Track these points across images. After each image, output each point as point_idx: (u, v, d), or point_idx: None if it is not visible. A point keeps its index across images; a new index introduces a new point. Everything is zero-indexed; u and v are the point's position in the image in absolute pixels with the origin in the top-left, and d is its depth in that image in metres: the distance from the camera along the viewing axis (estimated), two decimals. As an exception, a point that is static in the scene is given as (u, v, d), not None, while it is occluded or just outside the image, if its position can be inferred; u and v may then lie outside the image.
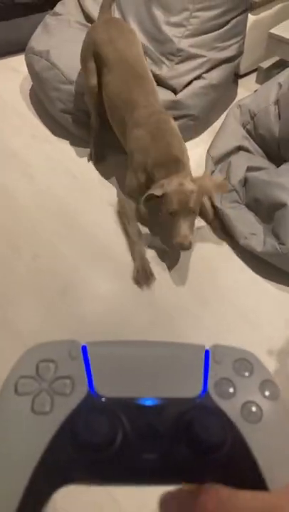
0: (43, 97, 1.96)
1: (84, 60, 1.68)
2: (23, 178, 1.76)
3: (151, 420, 0.22)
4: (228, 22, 1.89)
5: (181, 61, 1.91)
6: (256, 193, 1.51)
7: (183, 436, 0.22)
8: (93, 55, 1.62)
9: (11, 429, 0.22)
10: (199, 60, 1.89)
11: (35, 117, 2.03)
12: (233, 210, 1.54)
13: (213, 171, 1.64)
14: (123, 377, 0.23)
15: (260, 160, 1.65)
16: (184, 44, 1.89)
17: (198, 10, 1.87)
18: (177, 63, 1.91)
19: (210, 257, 1.54)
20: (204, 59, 1.89)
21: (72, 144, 1.92)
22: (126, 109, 1.49)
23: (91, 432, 0.22)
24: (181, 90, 1.86)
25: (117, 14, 2.00)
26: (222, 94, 1.99)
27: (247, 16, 1.93)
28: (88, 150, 1.85)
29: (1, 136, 1.93)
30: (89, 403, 0.22)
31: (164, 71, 1.89)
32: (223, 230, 1.57)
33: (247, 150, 1.67)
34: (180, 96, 1.86)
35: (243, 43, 1.98)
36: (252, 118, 1.70)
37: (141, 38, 1.91)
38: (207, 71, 1.90)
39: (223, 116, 2.00)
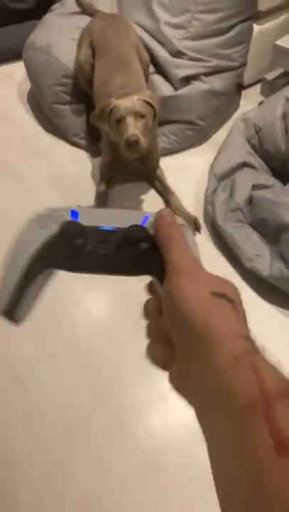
0: (42, 96, 1.87)
1: (79, 44, 1.78)
2: (16, 195, 1.67)
3: (106, 235, 0.37)
4: (231, 28, 1.82)
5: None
6: (262, 213, 1.43)
7: (126, 242, 0.37)
8: (89, 42, 1.73)
9: (25, 236, 0.38)
10: (200, 63, 1.82)
11: (32, 128, 1.95)
12: (238, 230, 1.46)
13: (215, 189, 1.56)
14: (94, 217, 0.38)
15: (265, 177, 1.57)
16: (184, 46, 1.81)
17: (201, 12, 1.80)
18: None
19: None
20: (205, 63, 1.82)
21: (72, 158, 1.83)
22: (105, 87, 1.56)
23: (72, 239, 0.37)
24: (178, 83, 1.80)
25: (116, 11, 1.93)
26: (223, 104, 1.92)
27: (252, 25, 1.86)
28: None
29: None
30: (72, 224, 0.37)
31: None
32: (224, 248, 1.49)
33: (252, 166, 1.59)
34: (179, 92, 1.79)
35: (247, 52, 1.91)
36: (257, 132, 1.63)
37: (143, 36, 1.83)
38: (208, 74, 1.83)
39: (224, 128, 1.94)
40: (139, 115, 1.36)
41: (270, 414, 0.24)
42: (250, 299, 1.38)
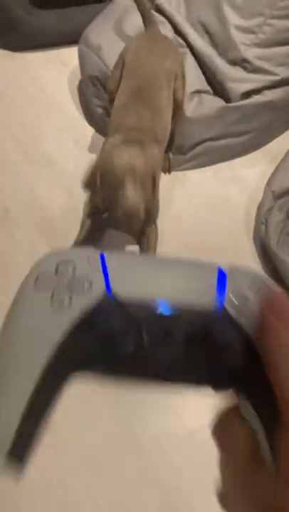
0: (88, 96, 1.79)
1: (114, 65, 1.50)
2: (58, 191, 1.60)
3: (167, 327, 0.22)
4: None
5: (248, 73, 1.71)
6: None
7: (198, 344, 0.22)
8: (121, 64, 1.44)
9: (29, 320, 0.23)
10: (263, 76, 1.67)
11: (80, 119, 1.86)
12: (292, 258, 1.34)
13: (271, 207, 1.44)
14: (140, 282, 0.24)
15: None
16: (251, 54, 1.67)
17: (275, 17, 1.65)
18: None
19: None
20: (269, 76, 1.68)
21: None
22: (117, 115, 1.32)
23: (106, 328, 0.22)
24: (235, 100, 1.65)
25: (183, 12, 1.79)
26: (281, 117, 1.78)
27: None
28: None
29: (37, 139, 1.77)
30: (105, 302, 0.23)
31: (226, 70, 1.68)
32: (274, 275, 1.37)
33: (315, 186, 1.46)
34: (238, 104, 1.64)
35: None
36: None
37: (204, 43, 1.71)
38: (270, 87, 1.68)
39: (282, 137, 1.81)
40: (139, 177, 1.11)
41: None
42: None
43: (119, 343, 0.22)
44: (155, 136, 1.25)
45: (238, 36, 1.66)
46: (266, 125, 1.71)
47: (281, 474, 0.20)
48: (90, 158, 1.71)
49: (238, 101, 1.61)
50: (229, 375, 0.22)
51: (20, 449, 0.22)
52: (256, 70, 1.68)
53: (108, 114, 1.69)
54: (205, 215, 1.54)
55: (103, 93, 1.73)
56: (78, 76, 1.89)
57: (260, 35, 1.65)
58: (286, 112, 1.78)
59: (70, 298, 0.23)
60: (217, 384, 0.23)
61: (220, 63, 1.69)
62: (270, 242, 1.36)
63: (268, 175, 1.62)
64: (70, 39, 2.07)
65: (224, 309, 0.22)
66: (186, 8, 1.80)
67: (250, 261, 1.42)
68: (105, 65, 1.68)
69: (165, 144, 1.35)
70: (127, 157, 1.13)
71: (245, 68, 1.68)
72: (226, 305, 0.23)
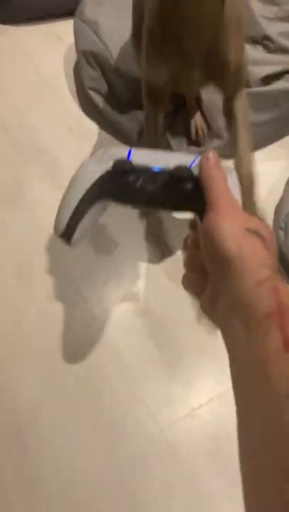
0: (83, 78, 1.58)
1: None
2: (50, 185, 1.41)
3: (155, 175, 0.42)
4: None
5: (268, 53, 1.48)
6: None
7: (172, 181, 0.41)
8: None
9: (84, 168, 0.45)
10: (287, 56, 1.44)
11: (76, 103, 1.65)
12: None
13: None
14: (145, 158, 0.43)
15: None
16: (274, 30, 1.45)
17: None
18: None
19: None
20: None
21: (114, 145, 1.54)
22: None
23: (124, 175, 0.42)
24: (257, 84, 1.43)
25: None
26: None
27: None
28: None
29: (30, 124, 1.57)
30: (125, 163, 0.43)
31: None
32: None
33: None
34: (259, 89, 1.40)
35: None
36: None
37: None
38: None
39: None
40: None
41: (283, 323, 0.28)
42: None
43: (128, 184, 0.42)
44: None
45: (258, 8, 1.44)
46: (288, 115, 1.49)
47: (202, 235, 0.37)
48: (85, 148, 1.52)
49: (259, 86, 1.40)
50: (186, 201, 0.41)
51: (70, 233, 0.45)
52: (280, 50, 1.45)
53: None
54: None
55: (99, 75, 1.52)
56: (75, 53, 1.68)
57: (285, 7, 1.42)
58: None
59: (107, 161, 0.43)
60: (180, 209, 0.42)
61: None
62: (289, 251, 1.18)
63: (287, 170, 1.42)
64: (65, 11, 1.85)
65: (190, 169, 0.41)
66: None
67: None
68: (103, 43, 1.48)
69: None
70: None
71: (266, 47, 1.45)
72: (192, 168, 0.41)
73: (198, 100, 1.41)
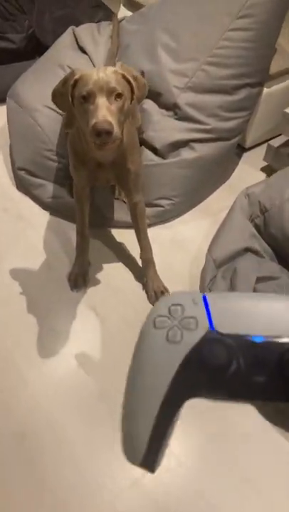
0: (16, 157, 1.69)
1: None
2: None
3: (259, 352, 0.27)
4: (239, 89, 1.62)
5: (176, 119, 1.66)
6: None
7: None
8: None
9: (150, 355, 0.29)
10: (195, 126, 1.63)
11: (11, 185, 1.74)
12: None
13: (214, 276, 1.37)
14: (237, 319, 0.28)
15: (270, 265, 1.38)
16: (183, 100, 1.61)
17: (209, 64, 1.60)
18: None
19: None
20: (200, 126, 1.63)
21: (52, 228, 1.62)
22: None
23: (212, 357, 0.27)
24: (162, 150, 1.61)
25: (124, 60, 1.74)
26: (215, 172, 1.75)
27: (261, 91, 1.71)
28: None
29: None
30: (210, 336, 0.28)
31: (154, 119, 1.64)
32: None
33: (255, 252, 1.41)
34: (165, 161, 1.60)
35: (248, 120, 1.74)
36: (262, 212, 1.45)
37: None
38: (200, 141, 1.64)
39: (215, 194, 1.76)
40: (114, 93, 1.02)
41: None
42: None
43: (221, 370, 0.27)
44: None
45: (171, 78, 1.62)
46: (196, 188, 1.68)
47: None
48: (22, 228, 1.60)
49: (166, 151, 1.59)
50: None
51: (150, 460, 0.29)
52: (187, 118, 1.63)
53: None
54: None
55: (35, 154, 1.63)
56: (5, 136, 1.79)
57: (194, 80, 1.61)
58: (219, 168, 1.75)
59: (182, 334, 0.28)
60: None
61: (154, 109, 1.65)
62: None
63: (208, 233, 1.56)
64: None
65: None
66: (123, 55, 1.75)
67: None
68: (39, 127, 1.61)
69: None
70: (97, 73, 1.04)
71: (175, 114, 1.63)
72: None
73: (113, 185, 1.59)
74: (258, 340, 0.27)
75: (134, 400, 0.29)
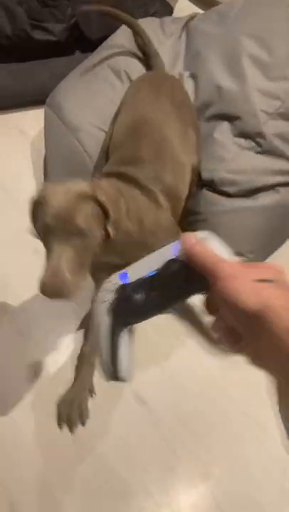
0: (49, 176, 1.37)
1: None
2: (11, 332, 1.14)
3: (155, 279, 0.43)
4: None
5: (258, 153, 1.29)
6: None
7: (170, 278, 0.43)
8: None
9: (98, 312, 0.45)
10: (283, 164, 1.25)
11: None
12: None
13: None
14: (138, 269, 0.45)
15: None
16: (271, 129, 1.25)
17: None
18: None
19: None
20: (287, 165, 1.28)
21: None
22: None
23: (127, 299, 0.44)
24: (237, 195, 1.24)
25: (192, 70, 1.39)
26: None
27: None
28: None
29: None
30: (124, 288, 0.44)
31: (229, 156, 1.25)
32: None
33: None
34: (234, 205, 1.22)
35: None
36: None
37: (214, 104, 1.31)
38: (286, 185, 1.26)
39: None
40: (77, 230, 0.76)
41: None
42: None
43: (137, 302, 0.43)
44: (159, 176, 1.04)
45: (259, 101, 1.25)
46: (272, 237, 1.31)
47: (218, 303, 0.40)
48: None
49: (242, 195, 1.21)
50: (191, 286, 0.43)
51: (118, 372, 0.46)
52: (272, 152, 1.26)
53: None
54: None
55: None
56: (40, 147, 1.46)
57: (287, 104, 1.24)
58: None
59: (109, 295, 0.45)
60: (189, 294, 0.43)
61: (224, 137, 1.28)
62: None
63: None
64: (28, 100, 1.65)
65: (177, 259, 0.43)
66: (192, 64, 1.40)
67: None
68: (85, 152, 1.28)
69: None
70: (60, 197, 0.80)
71: (259, 146, 1.25)
72: (178, 257, 0.43)
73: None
74: (151, 274, 0.43)
75: (96, 344, 0.49)
